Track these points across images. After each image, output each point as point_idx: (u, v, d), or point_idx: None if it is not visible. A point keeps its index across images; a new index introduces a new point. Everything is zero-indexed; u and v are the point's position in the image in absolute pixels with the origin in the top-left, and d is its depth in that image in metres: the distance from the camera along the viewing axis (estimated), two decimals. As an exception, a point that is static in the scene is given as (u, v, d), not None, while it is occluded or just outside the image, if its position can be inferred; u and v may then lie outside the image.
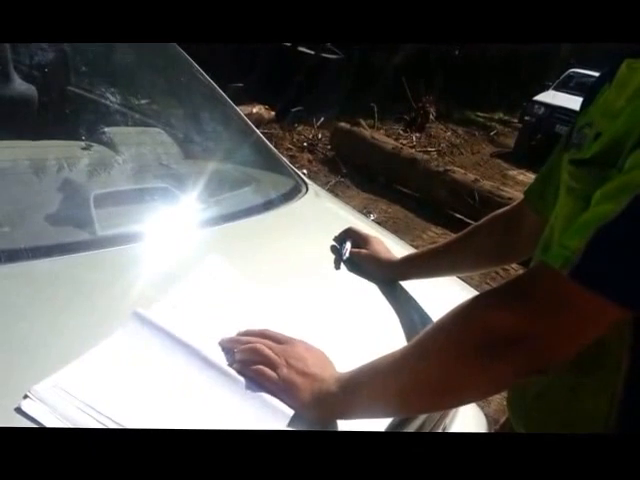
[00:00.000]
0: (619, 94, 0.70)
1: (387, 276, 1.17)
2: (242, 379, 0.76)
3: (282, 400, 0.74)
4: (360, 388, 0.73)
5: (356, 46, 8.17)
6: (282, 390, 0.75)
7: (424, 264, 1.18)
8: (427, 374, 0.68)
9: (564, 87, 9.47)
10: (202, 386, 0.74)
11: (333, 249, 1.22)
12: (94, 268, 0.89)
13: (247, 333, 0.83)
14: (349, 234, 1.25)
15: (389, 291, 1.15)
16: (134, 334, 0.76)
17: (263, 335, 0.82)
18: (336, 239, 1.25)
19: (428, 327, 0.71)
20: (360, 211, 4.76)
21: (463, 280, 1.45)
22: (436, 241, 4.65)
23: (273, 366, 0.77)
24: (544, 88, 9.51)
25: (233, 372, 0.77)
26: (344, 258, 1.18)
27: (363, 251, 1.20)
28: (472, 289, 1.44)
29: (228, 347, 0.81)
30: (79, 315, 0.77)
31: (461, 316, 0.67)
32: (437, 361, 0.67)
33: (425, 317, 1.13)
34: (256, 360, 0.77)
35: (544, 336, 0.60)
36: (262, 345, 0.79)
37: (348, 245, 1.21)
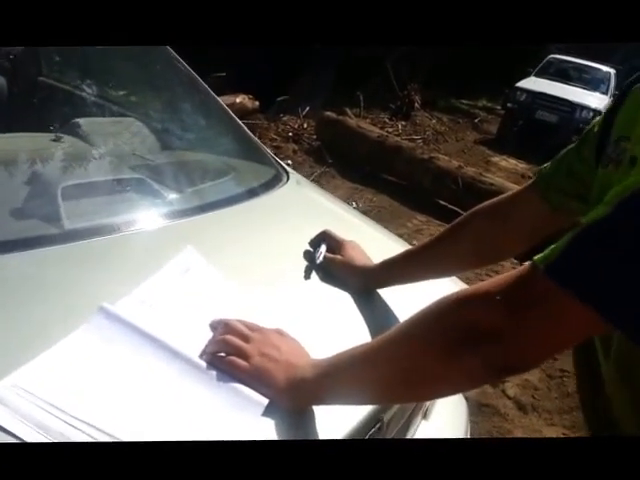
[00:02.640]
0: None
1: (362, 284, 1.10)
2: (214, 371, 0.74)
3: (255, 389, 0.73)
4: (335, 375, 0.72)
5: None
6: (255, 378, 0.74)
7: (403, 269, 1.10)
8: (401, 365, 0.67)
9: (544, 73, 9.51)
10: (172, 380, 0.72)
11: (306, 254, 1.14)
12: (61, 263, 0.86)
13: (219, 324, 0.82)
14: (324, 238, 1.17)
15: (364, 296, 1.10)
16: (99, 329, 0.73)
17: (235, 325, 0.81)
18: (311, 243, 1.17)
19: (403, 321, 0.70)
20: (345, 200, 4.77)
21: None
22: (421, 229, 4.65)
23: (245, 356, 0.76)
24: (526, 74, 9.53)
25: (204, 364, 0.75)
26: (317, 262, 1.10)
27: (338, 257, 1.12)
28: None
29: (200, 340, 0.79)
30: (42, 311, 0.74)
31: (438, 309, 0.65)
32: (411, 352, 0.66)
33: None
34: (228, 351, 0.77)
35: (516, 332, 0.58)
36: (232, 336, 0.78)
37: (322, 249, 1.13)
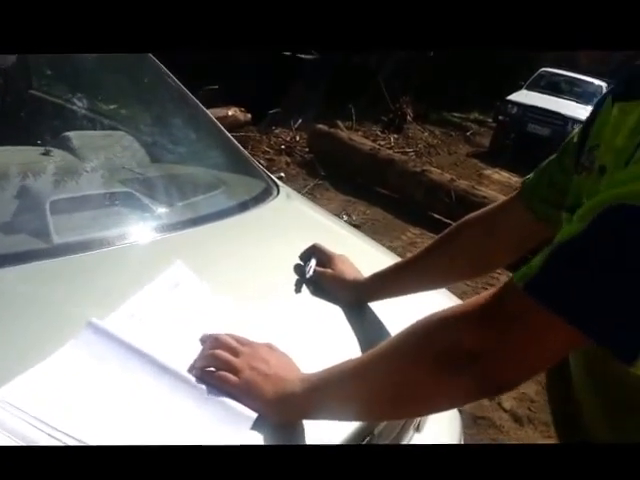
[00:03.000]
0: (615, 133, 0.69)
1: (353, 298, 1.09)
2: (203, 386, 0.74)
3: (245, 403, 0.73)
4: (325, 390, 0.72)
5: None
6: (244, 393, 0.74)
7: (393, 282, 1.09)
8: (391, 380, 0.67)
9: (536, 86, 9.57)
10: (161, 395, 0.71)
11: (296, 268, 1.14)
12: (49, 277, 0.85)
13: (208, 338, 0.81)
14: (314, 252, 1.16)
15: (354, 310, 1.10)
16: (87, 344, 0.73)
17: (225, 339, 0.80)
18: (301, 257, 1.17)
19: (393, 336, 0.70)
20: (338, 213, 4.77)
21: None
22: (415, 242, 4.66)
23: (235, 370, 0.76)
24: (517, 87, 9.60)
25: (193, 379, 0.74)
26: (307, 277, 1.10)
27: (328, 271, 1.11)
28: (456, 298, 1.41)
29: (189, 354, 0.78)
30: (31, 327, 0.74)
31: (424, 328, 0.66)
32: (401, 368, 0.67)
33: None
34: (217, 366, 0.76)
35: (498, 351, 0.59)
36: (221, 351, 0.78)
37: (312, 263, 1.13)
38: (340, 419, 0.77)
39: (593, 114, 0.81)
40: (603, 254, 0.54)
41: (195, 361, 0.78)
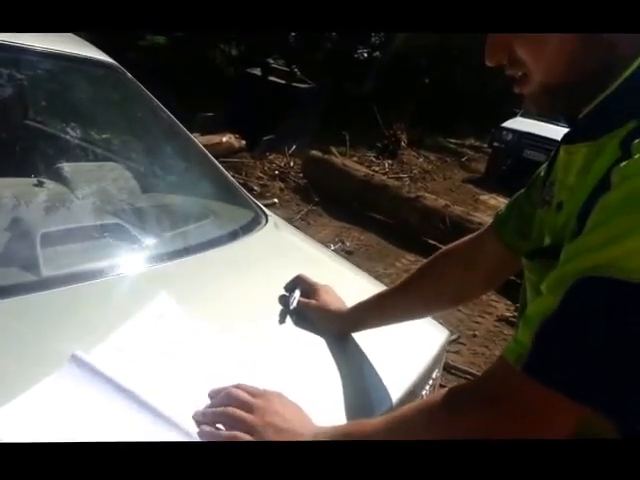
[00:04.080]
0: (566, 172, 0.72)
1: (337, 328, 1.11)
2: (185, 424, 0.74)
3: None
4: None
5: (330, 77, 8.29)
6: None
7: (374, 312, 1.11)
8: None
9: (531, 113, 9.63)
10: (141, 430, 0.72)
11: (281, 299, 1.15)
12: (37, 310, 0.87)
13: (218, 393, 0.81)
14: (298, 282, 1.19)
15: (339, 342, 1.11)
16: (70, 377, 0.74)
17: (238, 394, 0.80)
18: (286, 287, 1.19)
19: (398, 412, 0.72)
20: (332, 239, 4.78)
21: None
22: (409, 269, 4.65)
23: (249, 428, 0.75)
24: (512, 115, 9.68)
25: (173, 416, 0.75)
26: (291, 308, 1.12)
27: (312, 302, 1.13)
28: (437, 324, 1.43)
29: (171, 389, 0.79)
30: (15, 359, 0.75)
31: (428, 414, 0.68)
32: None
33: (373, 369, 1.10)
34: (230, 424, 0.76)
35: (510, 435, 0.59)
36: (234, 409, 0.77)
37: (297, 294, 1.14)
38: None
39: (556, 150, 0.83)
40: (585, 328, 0.55)
41: (206, 415, 0.78)
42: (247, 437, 0.74)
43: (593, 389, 0.55)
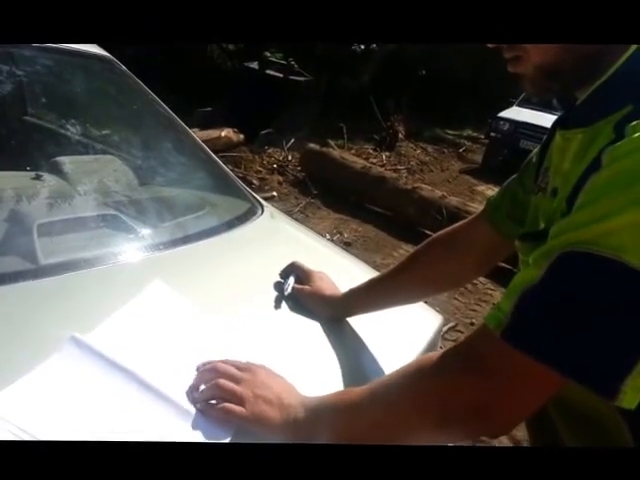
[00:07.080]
0: (561, 158, 0.73)
1: (331, 313, 1.13)
2: (184, 400, 0.77)
3: (252, 431, 0.76)
4: (323, 419, 0.75)
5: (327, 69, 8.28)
6: (252, 423, 0.76)
7: (367, 298, 1.13)
8: (380, 422, 0.71)
9: (527, 103, 9.63)
10: (143, 408, 0.74)
11: (276, 285, 1.18)
12: (35, 297, 0.89)
13: (205, 366, 0.83)
14: (293, 269, 1.21)
15: (334, 326, 1.13)
16: (70, 358, 0.76)
17: (224, 368, 0.82)
18: (281, 274, 1.21)
19: (386, 378, 0.75)
20: (330, 231, 4.80)
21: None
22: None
23: (240, 400, 0.77)
24: (509, 104, 9.67)
25: (172, 394, 0.77)
26: (286, 294, 1.14)
27: (306, 288, 1.15)
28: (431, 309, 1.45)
29: (169, 370, 0.81)
30: (15, 343, 0.78)
31: (415, 378, 0.70)
32: (391, 414, 0.70)
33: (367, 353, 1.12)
34: (221, 396, 0.78)
35: (487, 399, 0.63)
36: (224, 380, 0.79)
37: (291, 280, 1.17)
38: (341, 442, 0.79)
39: (549, 136, 0.85)
40: (564, 298, 0.58)
41: (193, 390, 0.79)
42: (240, 410, 0.76)
43: (563, 356, 0.57)
